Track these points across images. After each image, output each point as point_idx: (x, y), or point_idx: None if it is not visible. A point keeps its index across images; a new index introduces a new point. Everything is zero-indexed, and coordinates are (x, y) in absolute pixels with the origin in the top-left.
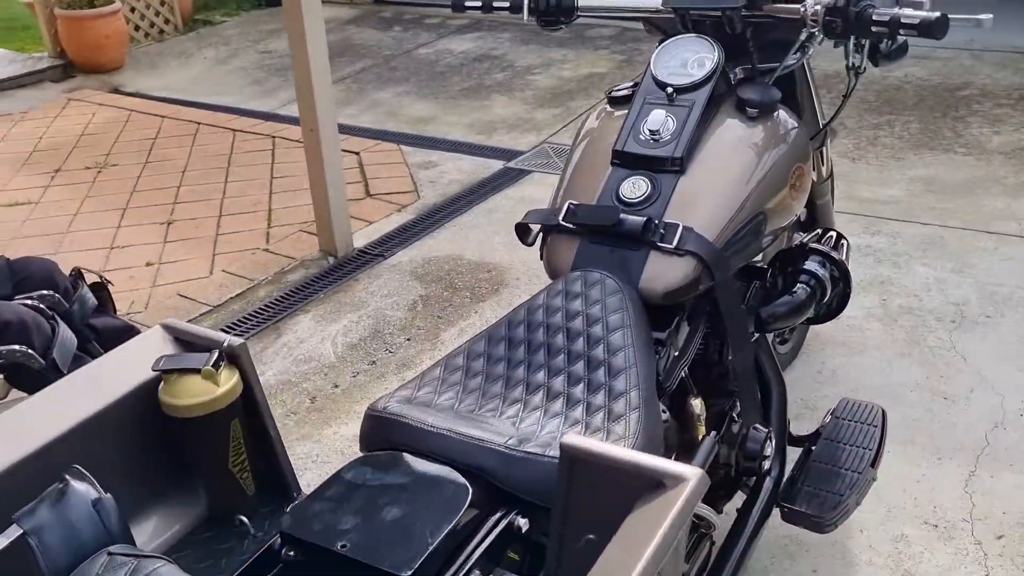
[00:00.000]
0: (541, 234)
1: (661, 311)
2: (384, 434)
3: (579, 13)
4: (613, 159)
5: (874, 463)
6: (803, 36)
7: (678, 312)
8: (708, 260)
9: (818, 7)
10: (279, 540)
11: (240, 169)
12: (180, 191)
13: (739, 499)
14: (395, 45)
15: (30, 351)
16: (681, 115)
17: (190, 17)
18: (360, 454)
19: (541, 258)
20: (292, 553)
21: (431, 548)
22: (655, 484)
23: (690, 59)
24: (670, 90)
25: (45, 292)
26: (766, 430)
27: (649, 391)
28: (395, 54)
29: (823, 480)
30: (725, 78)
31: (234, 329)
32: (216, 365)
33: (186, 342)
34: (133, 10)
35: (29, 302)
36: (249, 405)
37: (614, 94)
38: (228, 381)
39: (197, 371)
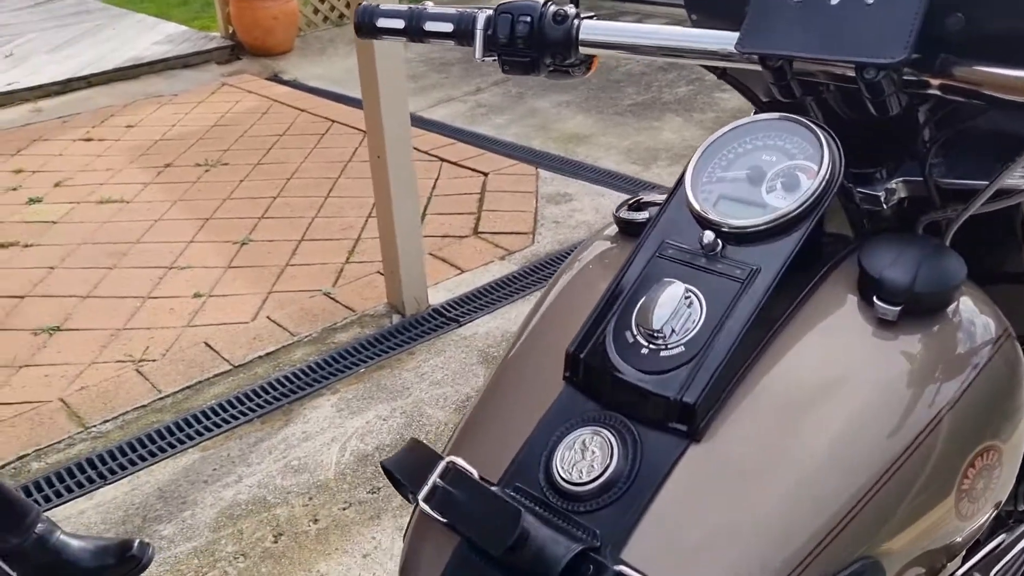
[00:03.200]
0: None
1: None
2: None
3: (582, 51)
4: (566, 370)
5: None
6: None
7: None
8: None
9: None
10: None
11: (349, 182)
12: (274, 203)
13: None
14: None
15: None
16: (722, 299)
17: None
18: None
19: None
20: None
21: None
22: None
23: (772, 168)
24: (711, 237)
25: None
26: None
27: None
28: None
29: None
30: (848, 213)
31: (240, 405)
32: None
33: None
34: None
35: None
36: None
37: (627, 214)
38: None
39: None
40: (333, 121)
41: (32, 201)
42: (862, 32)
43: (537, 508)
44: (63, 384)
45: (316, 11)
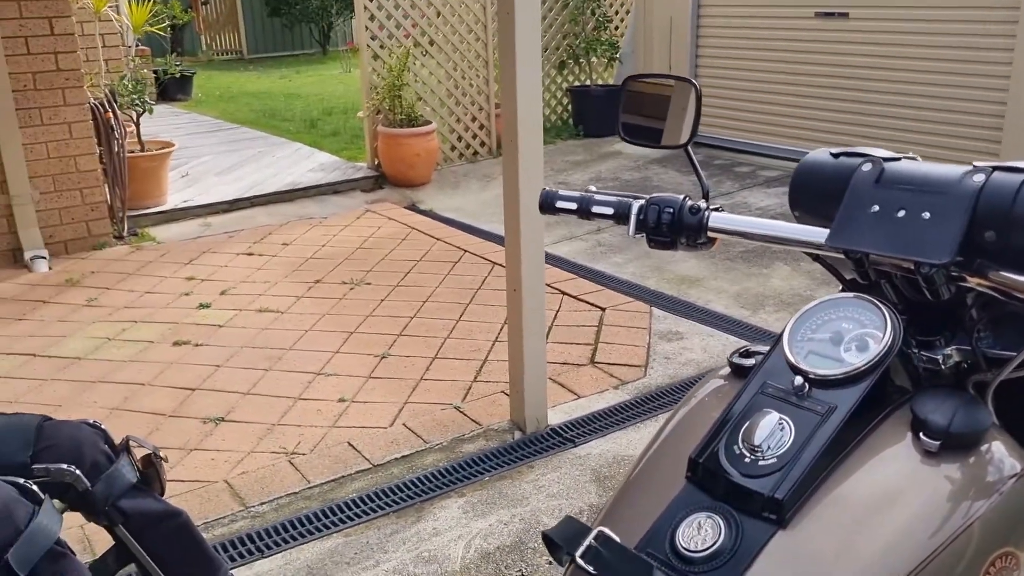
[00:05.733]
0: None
1: None
2: None
3: (710, 235)
4: (688, 470)
5: None
6: None
7: None
8: None
9: None
10: None
11: (478, 308)
12: (411, 323)
13: None
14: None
15: None
16: (806, 426)
17: None
18: None
19: None
20: None
21: None
22: None
23: (848, 333)
24: (800, 381)
25: (64, 467)
26: None
27: None
28: None
29: None
30: (906, 371)
31: (378, 499)
32: None
33: None
34: (452, 131)
35: (20, 481)
36: None
37: (738, 360)
38: None
39: None
40: (465, 251)
41: (202, 306)
42: (920, 239)
43: (662, 568)
44: (227, 468)
45: (453, 148)
